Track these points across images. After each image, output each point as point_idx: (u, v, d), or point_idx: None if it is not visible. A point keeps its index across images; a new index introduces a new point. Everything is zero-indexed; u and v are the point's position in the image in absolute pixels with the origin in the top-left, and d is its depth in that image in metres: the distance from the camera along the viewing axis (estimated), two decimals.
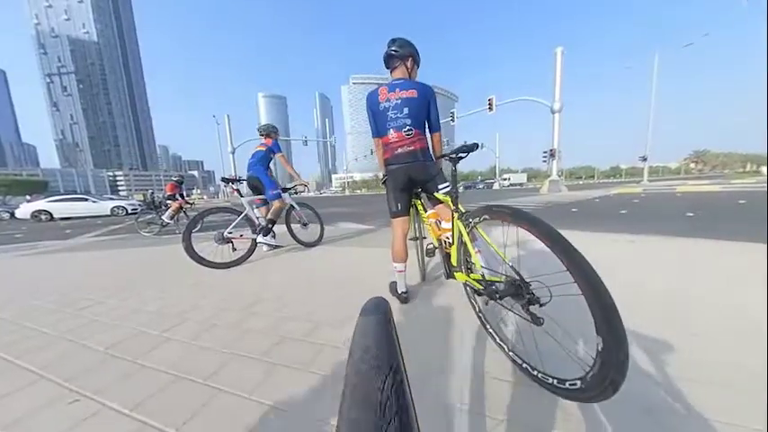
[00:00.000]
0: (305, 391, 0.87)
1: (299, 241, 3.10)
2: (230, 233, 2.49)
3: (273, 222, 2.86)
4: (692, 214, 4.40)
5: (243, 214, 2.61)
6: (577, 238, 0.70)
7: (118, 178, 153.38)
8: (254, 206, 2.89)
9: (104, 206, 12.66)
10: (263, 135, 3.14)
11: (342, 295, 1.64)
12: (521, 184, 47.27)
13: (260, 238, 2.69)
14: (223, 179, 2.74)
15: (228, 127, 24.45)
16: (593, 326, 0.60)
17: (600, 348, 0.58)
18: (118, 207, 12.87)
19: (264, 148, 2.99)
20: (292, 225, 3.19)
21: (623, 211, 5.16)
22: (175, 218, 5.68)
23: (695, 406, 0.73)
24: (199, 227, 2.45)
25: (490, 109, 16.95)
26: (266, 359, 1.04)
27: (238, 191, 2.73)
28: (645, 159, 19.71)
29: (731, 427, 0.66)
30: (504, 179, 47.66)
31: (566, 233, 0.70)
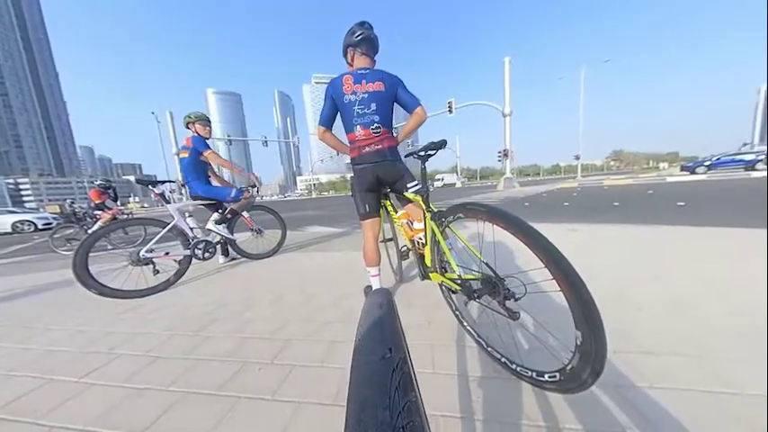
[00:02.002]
0: (272, 424, 0.75)
1: (246, 255, 2.66)
2: (151, 251, 2.01)
3: (235, 213, 2.44)
4: (617, 204, 5.18)
5: (169, 225, 2.11)
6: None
7: (22, 187, 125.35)
8: (188, 215, 2.39)
9: (1, 222, 10.21)
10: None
11: (313, 305, 1.52)
12: (453, 184, 43.01)
13: (211, 225, 2.30)
14: (138, 181, 2.17)
15: (172, 126, 21.76)
16: (567, 317, 0.62)
17: (579, 342, 0.59)
18: (22, 222, 10.48)
19: (188, 154, 2.34)
20: (237, 235, 2.68)
21: (566, 204, 5.85)
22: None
23: (655, 376, 0.80)
24: (100, 244, 1.88)
25: (450, 111, 17.89)
26: (224, 393, 0.89)
27: (162, 195, 2.21)
28: (578, 158, 22.78)
29: (685, 392, 0.75)
30: (438, 179, 44.22)
31: None
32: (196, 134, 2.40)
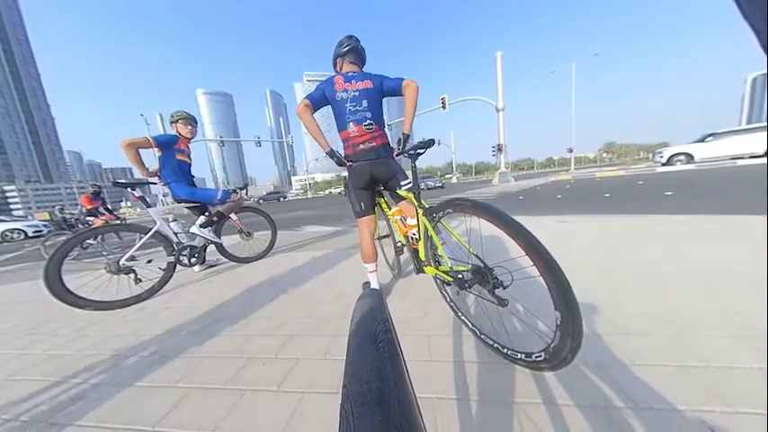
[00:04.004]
0: (278, 413, 0.79)
1: (234, 258, 2.59)
2: (132, 259, 1.91)
3: (222, 216, 2.33)
4: (608, 195, 5.29)
5: (151, 231, 1.98)
6: (527, 222, 0.76)
7: (9, 194, 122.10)
8: (171, 219, 2.28)
9: None
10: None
11: (313, 302, 1.56)
12: None
13: (195, 229, 2.22)
14: (115, 183, 1.95)
15: (163, 128, 21.34)
16: (550, 303, 0.67)
17: (559, 322, 0.64)
18: (11, 230, 10.27)
19: (162, 152, 2.20)
20: (224, 238, 2.60)
21: (559, 196, 5.95)
22: (100, 237, 4.75)
23: (635, 355, 0.87)
24: (74, 253, 1.79)
25: (443, 107, 17.88)
26: (230, 386, 0.92)
27: (142, 198, 2.07)
28: (571, 151, 23.02)
29: (661, 367, 0.81)
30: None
31: (518, 219, 0.77)
32: (177, 134, 2.27)
